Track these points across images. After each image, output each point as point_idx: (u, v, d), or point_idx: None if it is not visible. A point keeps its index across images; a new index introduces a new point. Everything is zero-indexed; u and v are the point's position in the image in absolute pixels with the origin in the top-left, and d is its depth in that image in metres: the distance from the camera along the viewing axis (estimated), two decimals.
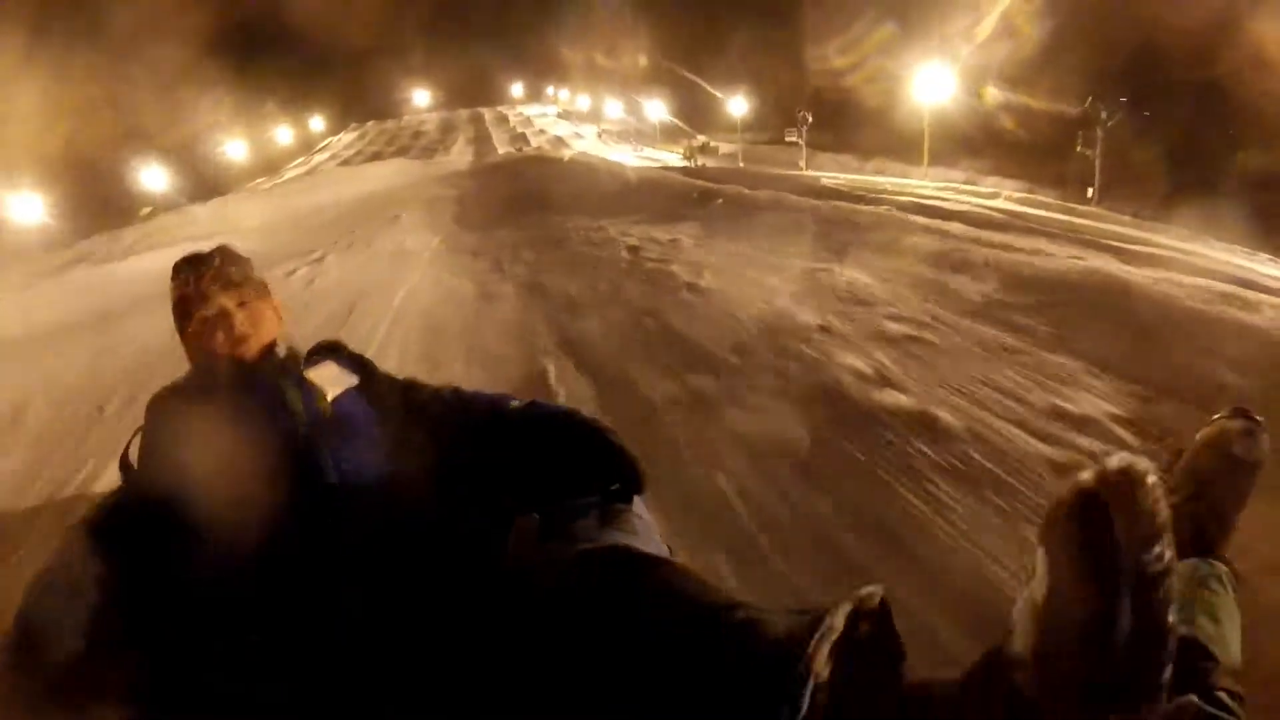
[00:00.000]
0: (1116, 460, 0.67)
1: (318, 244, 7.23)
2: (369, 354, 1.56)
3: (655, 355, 3.05)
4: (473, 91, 58.22)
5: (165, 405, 1.33)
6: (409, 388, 1.55)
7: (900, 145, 24.64)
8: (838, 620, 0.78)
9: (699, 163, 27.43)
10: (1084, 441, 1.97)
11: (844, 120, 29.08)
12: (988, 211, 8.68)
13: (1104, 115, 19.76)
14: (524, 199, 9.82)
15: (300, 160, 43.29)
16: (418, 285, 5.07)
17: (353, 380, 1.45)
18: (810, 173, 21.29)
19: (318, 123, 51.51)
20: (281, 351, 1.41)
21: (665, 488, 1.64)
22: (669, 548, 1.31)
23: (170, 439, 1.28)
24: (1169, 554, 0.65)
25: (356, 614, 1.09)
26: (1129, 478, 0.66)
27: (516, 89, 60.33)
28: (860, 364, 2.63)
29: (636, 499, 1.36)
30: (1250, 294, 3.04)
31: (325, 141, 49.50)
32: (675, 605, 0.91)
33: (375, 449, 1.36)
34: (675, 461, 2.10)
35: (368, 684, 1.03)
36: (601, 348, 3.23)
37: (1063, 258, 4.05)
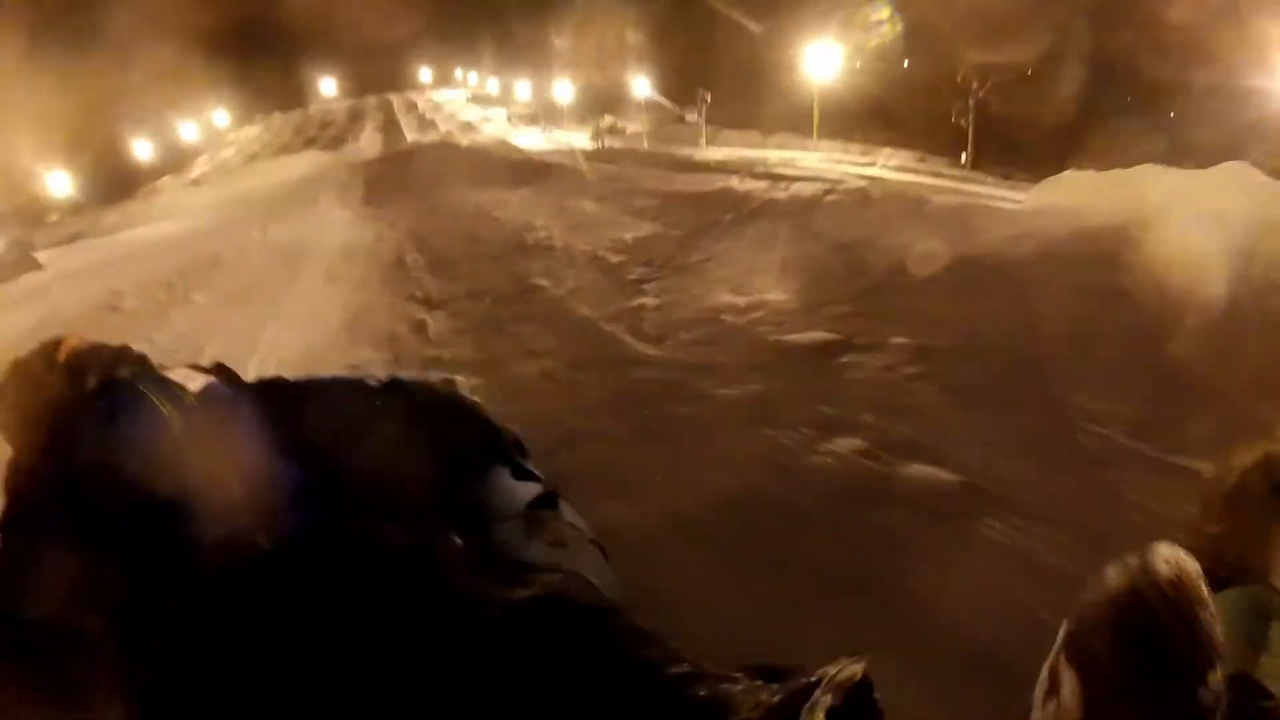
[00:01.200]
0: (1164, 562, 0.57)
1: (256, 217, 9.91)
2: (311, 272, 4.04)
3: (467, 247, 6.02)
4: (381, 77, 59.52)
5: (39, 431, 1.37)
6: (269, 383, 1.64)
7: (804, 121, 27.44)
8: (820, 703, 0.77)
9: (605, 143, 29.74)
10: (628, 240, 4.97)
11: (750, 97, 31.81)
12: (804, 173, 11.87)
13: (975, 87, 22.80)
14: (422, 180, 12.56)
15: (205, 156, 44.08)
16: (336, 236, 7.87)
17: (209, 377, 1.52)
18: (697, 151, 23.87)
19: (222, 116, 52.23)
20: (130, 360, 1.50)
21: (462, 282, 4.58)
22: (600, 547, 1.40)
23: (54, 456, 1.32)
24: (1223, 683, 0.57)
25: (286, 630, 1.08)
26: (1185, 592, 0.56)
27: (425, 74, 61.98)
28: (548, 235, 5.67)
29: (562, 503, 1.45)
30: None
31: (230, 136, 50.24)
32: (632, 676, 0.92)
33: (253, 431, 1.44)
34: (474, 275, 5.05)
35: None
36: (440, 249, 6.18)
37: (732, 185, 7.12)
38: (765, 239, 4.31)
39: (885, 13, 25.32)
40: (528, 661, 0.97)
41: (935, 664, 1.32)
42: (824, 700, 0.80)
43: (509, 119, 43.10)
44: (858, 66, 27.38)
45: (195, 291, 5.77)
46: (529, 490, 1.47)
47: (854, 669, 0.81)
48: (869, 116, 25.55)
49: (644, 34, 35.74)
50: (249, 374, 2.93)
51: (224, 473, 1.31)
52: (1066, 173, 5.08)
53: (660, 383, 2.78)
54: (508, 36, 49.43)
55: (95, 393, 1.43)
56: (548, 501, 1.45)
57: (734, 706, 0.86)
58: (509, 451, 1.53)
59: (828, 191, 5.19)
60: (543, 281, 4.54)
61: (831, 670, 0.83)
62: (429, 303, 4.53)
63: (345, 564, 1.18)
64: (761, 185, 6.23)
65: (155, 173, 40.34)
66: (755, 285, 3.59)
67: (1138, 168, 4.21)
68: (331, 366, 3.52)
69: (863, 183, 6.05)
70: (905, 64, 26.26)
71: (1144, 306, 2.76)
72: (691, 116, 31.05)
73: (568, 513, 1.47)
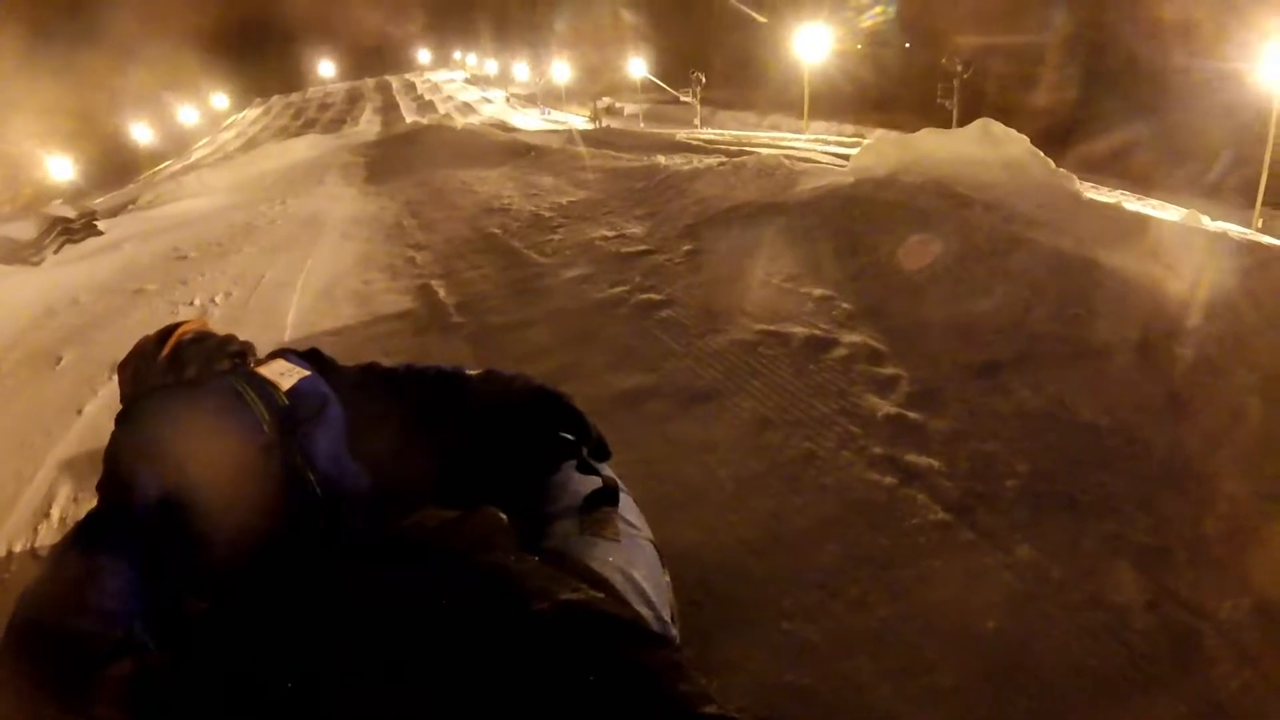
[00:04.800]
0: None
1: (274, 195, 12.27)
2: (329, 233, 6.25)
3: (449, 212, 8.32)
4: (379, 59, 62.17)
5: (132, 419, 1.51)
6: (365, 368, 1.78)
7: (797, 102, 29.30)
8: None
9: (603, 123, 31.69)
10: (563, 203, 7.24)
11: (747, 79, 33.78)
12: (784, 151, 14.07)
13: (959, 68, 24.61)
14: (419, 160, 14.86)
15: (206, 140, 46.74)
16: (346, 209, 10.18)
17: (305, 370, 1.66)
18: (691, 131, 25.72)
19: (221, 100, 55.02)
20: (231, 352, 1.67)
21: (439, 233, 6.89)
22: (656, 547, 1.50)
23: (142, 448, 1.43)
24: None
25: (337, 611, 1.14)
26: None
27: (424, 55, 64.53)
28: (509, 201, 7.95)
29: (625, 499, 1.54)
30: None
31: (230, 119, 53.06)
32: (660, 711, 0.96)
33: (339, 428, 1.58)
34: (449, 229, 7.34)
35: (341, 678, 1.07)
36: (428, 215, 8.48)
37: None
38: (652, 197, 6.57)
39: None
40: (558, 670, 1.00)
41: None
42: None
43: (508, 100, 45.55)
44: (858, 48, 29.52)
45: (242, 246, 8.09)
46: (590, 484, 1.55)
47: None
48: (863, 98, 27.61)
49: (642, 16, 37.93)
50: (297, 290, 5.37)
51: (296, 474, 1.41)
52: (878, 133, 7.27)
53: (540, 273, 5.15)
54: (507, 18, 51.77)
55: (190, 382, 1.56)
56: (608, 497, 1.52)
57: None
58: (585, 448, 1.64)
59: (721, 164, 7.40)
60: (495, 230, 6.86)
61: None
62: (417, 247, 6.84)
63: (401, 554, 1.25)
64: (678, 160, 8.48)
65: (156, 157, 43.00)
66: (626, 226, 5.88)
67: (922, 130, 6.23)
68: (352, 281, 5.81)
69: (776, 158, 8.14)
70: (906, 46, 28.32)
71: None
72: (687, 98, 33.06)
73: (628, 510, 1.54)
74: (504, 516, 1.31)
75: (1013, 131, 5.42)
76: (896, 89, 27.75)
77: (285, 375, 1.64)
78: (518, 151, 13.00)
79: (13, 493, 3.24)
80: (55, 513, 3.06)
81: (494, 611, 1.09)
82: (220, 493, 1.37)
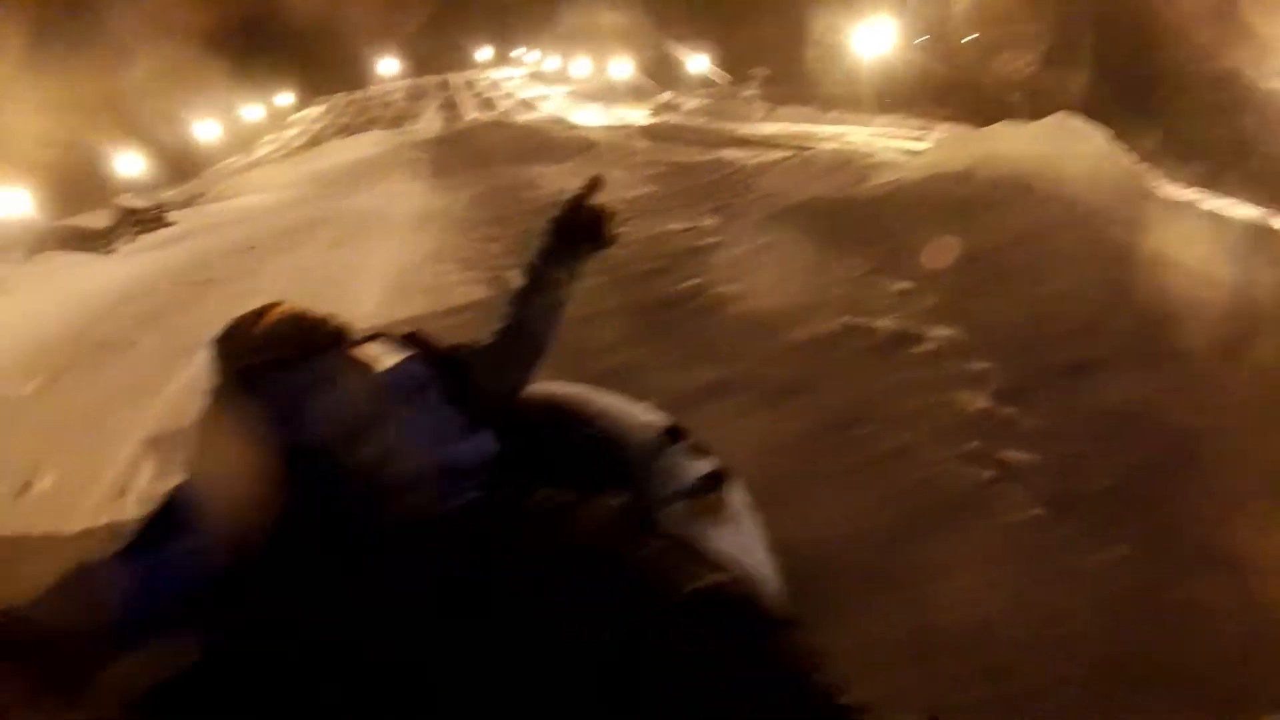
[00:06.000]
0: None
1: (340, 190, 12.61)
2: (398, 225, 6.34)
3: (516, 206, 8.44)
4: (439, 58, 63.21)
5: (225, 395, 1.53)
6: (457, 347, 1.74)
7: (860, 95, 29.13)
8: None
9: (663, 119, 31.82)
10: (619, 195, 7.30)
11: (806, 73, 33.53)
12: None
13: (1023, 64, 24.16)
14: (482, 156, 15.13)
15: (271, 137, 48.04)
16: (413, 204, 10.42)
17: (402, 353, 1.64)
18: (754, 126, 25.75)
19: (285, 98, 56.56)
20: (328, 332, 1.63)
21: (512, 226, 7.00)
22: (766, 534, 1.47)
23: (233, 424, 1.43)
24: None
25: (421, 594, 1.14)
26: None
27: (484, 53, 65.43)
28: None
29: (732, 482, 1.51)
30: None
31: (293, 116, 54.53)
32: (800, 699, 0.96)
33: (439, 412, 1.55)
34: (520, 222, 7.44)
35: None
36: (497, 208, 8.60)
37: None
38: (721, 192, 6.60)
39: None
40: (707, 654, 1.00)
41: None
42: None
43: (568, 96, 45.77)
44: (923, 41, 29.10)
45: (310, 239, 8.34)
46: (699, 468, 1.54)
47: None
48: (929, 92, 27.21)
49: (703, 10, 37.80)
50: (369, 281, 5.41)
51: (388, 456, 1.41)
52: (944, 127, 7.22)
53: (612, 266, 5.19)
54: (567, 14, 52.09)
55: (285, 361, 1.56)
56: (717, 481, 1.52)
57: None
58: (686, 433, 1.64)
59: (788, 158, 7.39)
60: None
61: None
62: (489, 239, 6.96)
63: (509, 527, 1.24)
64: (745, 154, 8.47)
65: (221, 153, 44.33)
66: (696, 220, 5.93)
67: (997, 124, 6.22)
68: (424, 273, 5.94)
69: (846, 152, 8.08)
70: (969, 39, 27.84)
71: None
72: (748, 92, 33.00)
73: (736, 492, 1.53)
74: (617, 501, 1.28)
75: (1092, 126, 5.33)
76: (962, 81, 27.30)
77: (382, 357, 1.62)
78: (580, 147, 13.14)
79: (94, 470, 3.38)
80: (135, 490, 3.17)
81: (641, 596, 1.08)
82: (308, 473, 1.36)
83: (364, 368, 1.58)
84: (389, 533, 1.29)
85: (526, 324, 1.72)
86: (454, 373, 1.68)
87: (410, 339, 1.75)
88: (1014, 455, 2.67)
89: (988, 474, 2.58)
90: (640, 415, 1.69)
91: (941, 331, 3.56)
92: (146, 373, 4.38)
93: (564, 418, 1.74)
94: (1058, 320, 3.54)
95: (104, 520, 3.02)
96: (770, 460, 2.76)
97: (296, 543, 1.31)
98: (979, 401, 3.00)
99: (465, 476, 1.49)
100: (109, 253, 8.99)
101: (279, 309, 1.67)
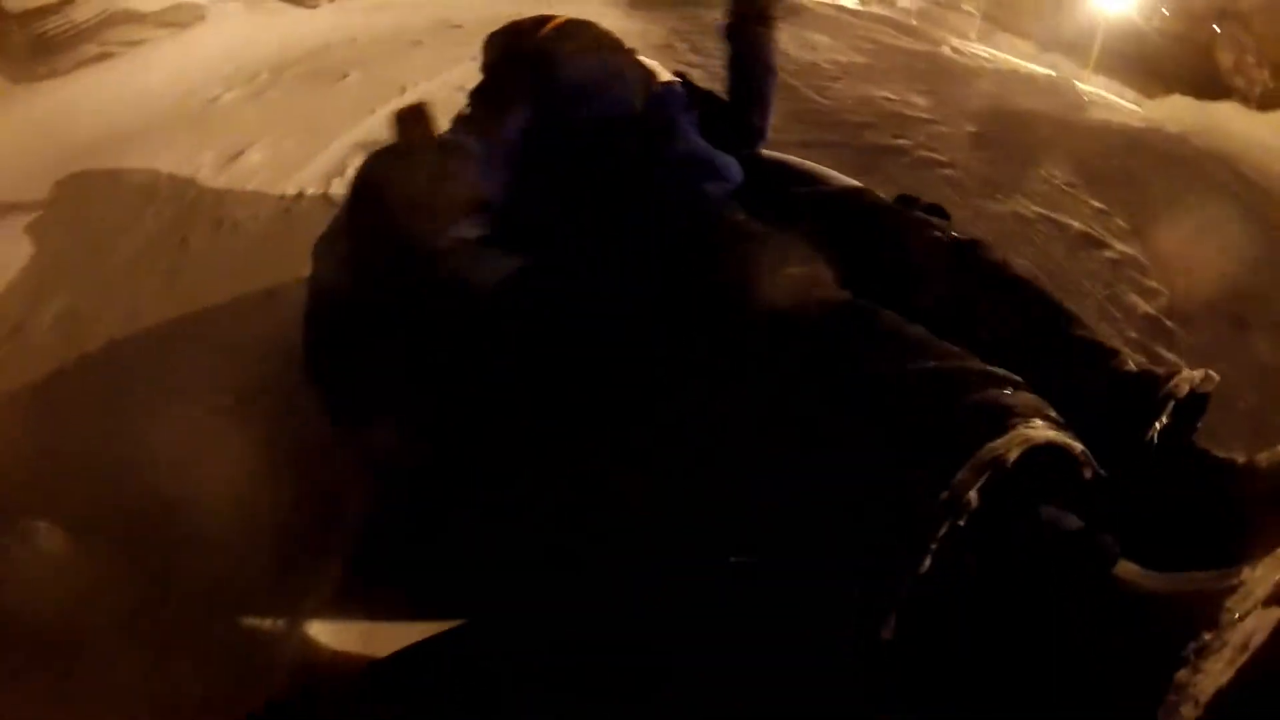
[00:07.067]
0: None
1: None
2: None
3: (715, 42, 8.57)
4: None
5: (513, 60, 1.69)
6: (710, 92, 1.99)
7: (1080, 46, 27.23)
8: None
9: (873, 9, 30.36)
10: (830, 58, 7.40)
11: (1039, 10, 31.27)
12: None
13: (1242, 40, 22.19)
14: None
15: None
16: (607, 25, 10.56)
17: (678, 79, 1.82)
18: (964, 42, 24.40)
19: None
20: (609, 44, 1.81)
21: (713, 57, 7.19)
22: None
23: (523, 84, 1.59)
24: None
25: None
26: None
27: None
28: (784, 46, 8.14)
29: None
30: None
31: None
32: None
33: (697, 134, 1.68)
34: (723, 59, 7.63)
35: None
36: (698, 43, 8.75)
37: None
38: (933, 79, 6.65)
39: None
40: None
41: None
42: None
43: None
44: (1163, 13, 26.68)
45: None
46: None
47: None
48: (1152, 64, 25.20)
49: None
50: None
51: (656, 155, 1.50)
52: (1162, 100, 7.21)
53: (820, 110, 5.46)
54: None
55: (570, 53, 1.65)
56: (941, 211, 1.70)
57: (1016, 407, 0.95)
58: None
59: (1003, 70, 7.34)
60: None
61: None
62: (689, 65, 7.18)
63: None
64: (958, 56, 8.39)
65: None
66: (907, 95, 6.05)
67: (1225, 103, 6.20)
68: None
69: (1067, 79, 7.88)
70: (1215, 29, 25.40)
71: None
72: (968, 7, 31.02)
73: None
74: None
75: None
76: (1190, 61, 25.06)
77: (663, 70, 1.77)
78: (788, 11, 12.90)
79: (304, 156, 3.67)
80: (349, 171, 3.39)
81: None
82: (582, 146, 1.48)
83: (649, 73, 1.75)
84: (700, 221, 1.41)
85: (751, 75, 1.98)
86: (709, 109, 1.87)
87: (677, 74, 1.98)
88: (1169, 354, 2.99)
89: (1140, 358, 2.91)
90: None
91: (1126, 249, 3.80)
92: (358, 97, 4.61)
93: (798, 175, 1.98)
94: (1232, 280, 3.72)
95: (314, 190, 3.30)
96: None
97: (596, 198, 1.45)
98: (1147, 307, 3.30)
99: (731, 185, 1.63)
100: (312, 8, 9.23)
101: (561, 17, 1.82)
